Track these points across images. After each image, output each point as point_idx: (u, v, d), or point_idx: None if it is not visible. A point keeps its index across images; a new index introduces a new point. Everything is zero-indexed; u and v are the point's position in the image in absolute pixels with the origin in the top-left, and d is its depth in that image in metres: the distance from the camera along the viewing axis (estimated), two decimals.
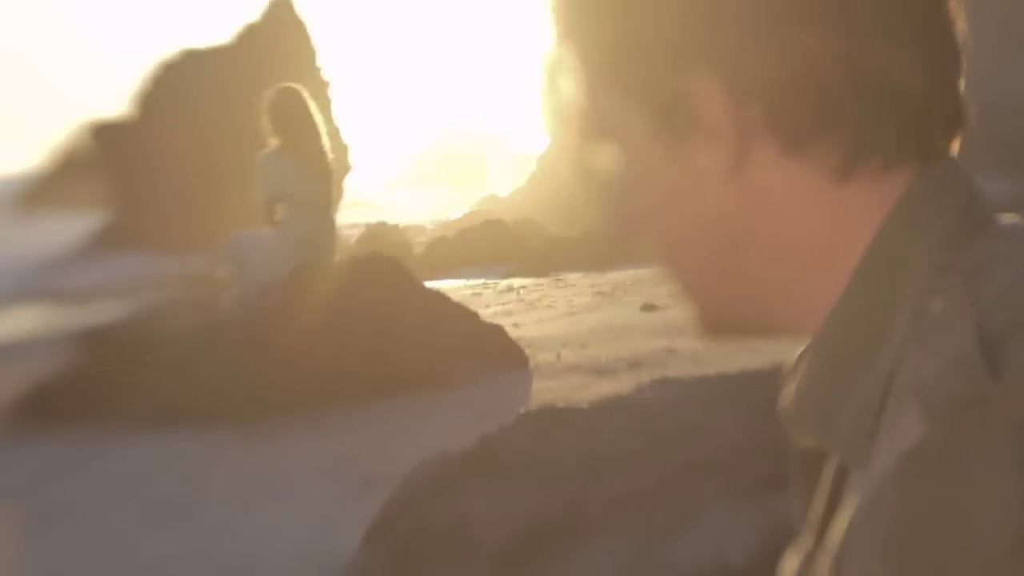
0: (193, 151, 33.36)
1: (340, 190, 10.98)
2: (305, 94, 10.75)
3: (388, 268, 11.43)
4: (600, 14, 1.10)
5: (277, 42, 34.39)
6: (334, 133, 10.87)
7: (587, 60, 1.13)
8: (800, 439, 1.14)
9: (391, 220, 26.36)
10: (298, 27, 36.06)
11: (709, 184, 1.10)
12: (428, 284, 12.26)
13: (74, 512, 8.40)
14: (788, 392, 1.11)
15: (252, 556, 7.24)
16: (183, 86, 34.55)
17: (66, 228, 35.72)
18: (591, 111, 1.15)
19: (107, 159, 35.04)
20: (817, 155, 1.07)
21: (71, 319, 15.92)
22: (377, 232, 23.42)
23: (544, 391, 10.00)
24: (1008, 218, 1.06)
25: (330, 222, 10.97)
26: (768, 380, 7.17)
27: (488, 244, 22.60)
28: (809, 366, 1.08)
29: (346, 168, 10.39)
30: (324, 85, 31.78)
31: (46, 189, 46.42)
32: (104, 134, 35.47)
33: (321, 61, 36.00)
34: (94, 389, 10.70)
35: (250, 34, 35.40)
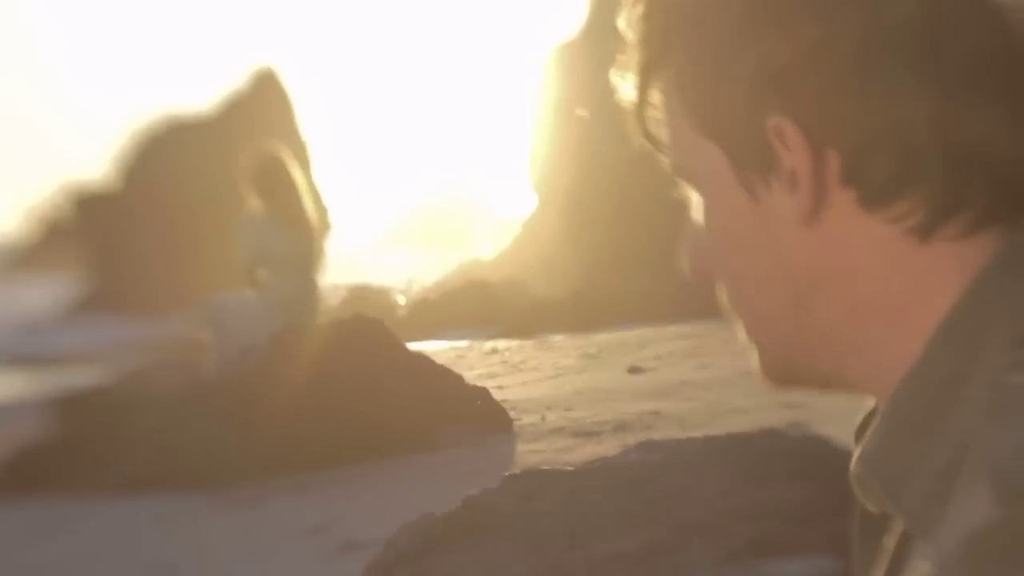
0: (176, 219, 33.45)
1: (322, 252, 10.95)
2: (286, 157, 10.75)
3: (372, 330, 11.39)
4: (687, 53, 1.11)
5: (260, 111, 34.58)
6: (314, 195, 10.86)
7: (671, 99, 1.14)
8: (864, 501, 1.10)
9: (375, 282, 26.34)
10: (281, 96, 36.36)
11: (784, 231, 1.09)
12: (412, 346, 12.23)
13: (60, 574, 8.35)
14: (855, 454, 1.08)
15: None
16: (168, 156, 34.69)
17: (48, 294, 35.71)
18: (674, 151, 1.16)
19: (91, 228, 35.12)
20: (897, 212, 1.06)
21: (51, 384, 15.86)
22: (361, 294, 23.39)
23: (529, 454, 9.94)
24: None
25: (313, 284, 10.96)
26: (754, 443, 7.16)
27: (472, 306, 22.58)
28: (878, 428, 1.06)
29: (327, 229, 10.48)
30: (304, 147, 31.98)
31: (29, 256, 46.47)
32: (88, 204, 35.58)
33: (302, 124, 36.26)
34: (74, 455, 10.63)
35: (234, 104, 35.63)
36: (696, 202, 1.16)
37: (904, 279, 1.06)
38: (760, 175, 1.09)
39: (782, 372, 1.15)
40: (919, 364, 1.04)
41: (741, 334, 1.15)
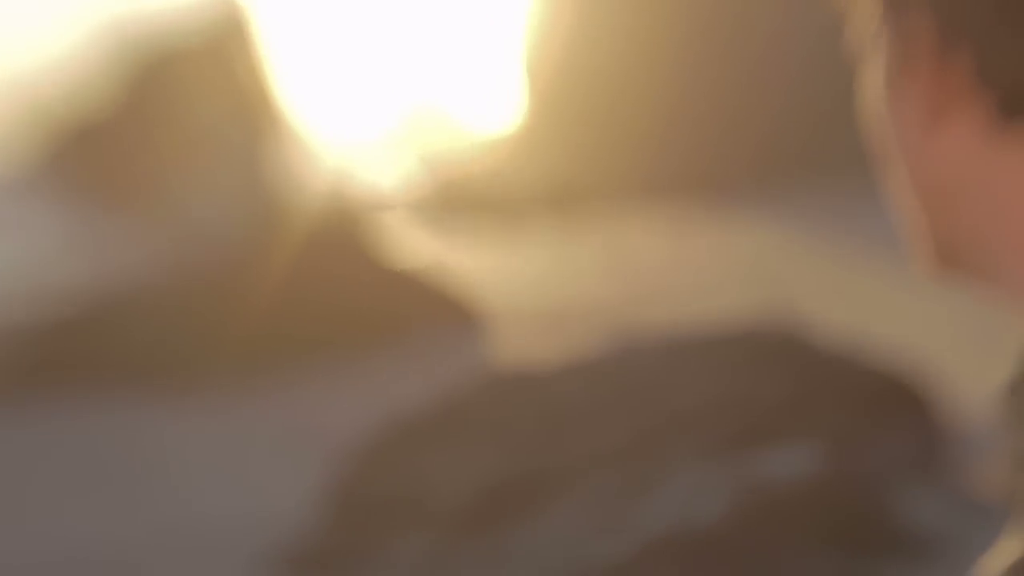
0: (168, 148, 33.99)
1: (292, 152, 11.10)
2: (246, 56, 10.83)
3: (343, 228, 11.31)
4: None
5: (235, 39, 35.45)
6: (274, 97, 10.95)
7: None
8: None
9: (354, 187, 26.65)
10: (250, 30, 37.33)
11: (913, 136, 0.97)
12: (385, 242, 12.20)
13: (28, 477, 8.20)
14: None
15: (202, 519, 6.97)
16: (156, 87, 35.37)
17: (46, 224, 35.94)
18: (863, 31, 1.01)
19: (86, 158, 35.71)
20: None
21: (30, 300, 16.04)
22: (342, 194, 23.49)
23: (503, 344, 9.91)
24: None
25: (281, 182, 11.00)
26: (736, 335, 6.96)
27: (451, 202, 22.86)
28: None
29: (290, 130, 10.83)
30: (268, 66, 32.52)
31: (24, 189, 46.80)
32: (84, 136, 36.06)
33: (273, 50, 37.29)
34: (49, 358, 10.48)
35: (215, 35, 36.59)
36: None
37: None
38: (897, 72, 0.97)
39: (938, 262, 0.98)
40: None
41: (902, 216, 1.04)
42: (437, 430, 6.44)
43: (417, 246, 17.40)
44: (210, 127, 11.12)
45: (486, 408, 6.53)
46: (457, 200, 23.07)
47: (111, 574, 6.31)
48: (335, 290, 10.53)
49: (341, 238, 11.16)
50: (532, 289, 12.95)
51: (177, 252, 10.94)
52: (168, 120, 32.30)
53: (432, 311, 10.87)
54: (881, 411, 6.36)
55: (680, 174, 19.91)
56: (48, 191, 35.43)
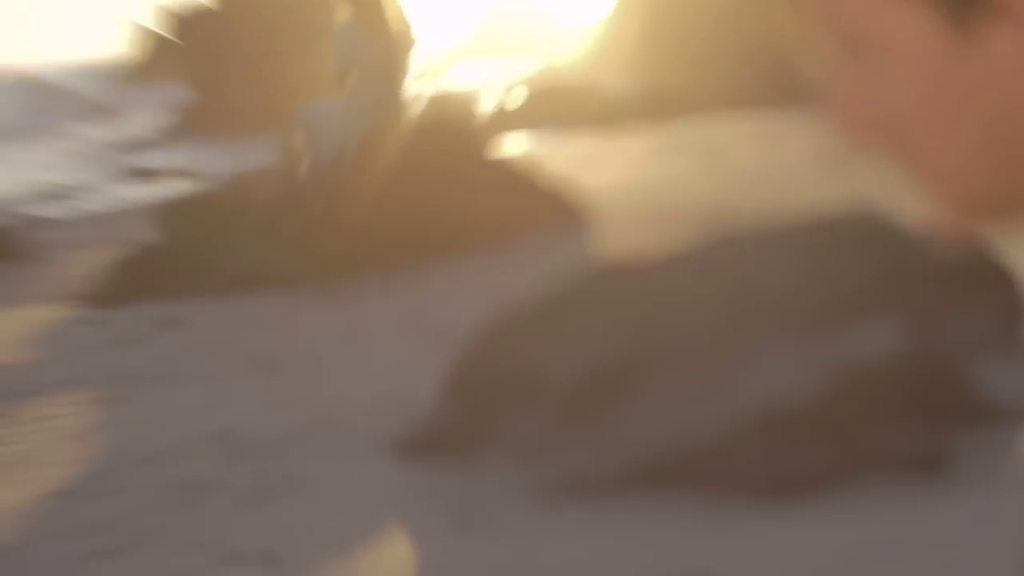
0: (272, 35, 33.32)
1: (407, 61, 10.85)
2: None
3: (454, 133, 11.29)
4: None
5: None
6: (398, 7, 10.76)
7: None
8: None
9: (455, 89, 26.15)
10: None
11: (1008, 70, 0.91)
12: (492, 145, 12.09)
13: (171, 368, 8.43)
14: None
15: (335, 405, 7.21)
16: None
17: (154, 110, 35.76)
18: (846, 15, 0.97)
19: (192, 45, 35.05)
20: None
21: (155, 195, 15.91)
22: (443, 100, 23.18)
23: (607, 244, 9.89)
24: None
25: (396, 90, 10.83)
26: (822, 224, 6.98)
27: (549, 106, 22.36)
28: None
29: (411, 40, 10.49)
30: None
31: (133, 76, 46.46)
32: (188, 24, 35.46)
33: None
34: (178, 258, 10.70)
35: None
36: (868, 55, 0.97)
37: None
38: (976, 12, 0.91)
39: (980, 206, 0.97)
40: None
41: (919, 183, 0.98)
42: (546, 319, 6.58)
43: (519, 148, 17.25)
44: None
45: (591, 298, 6.64)
46: (555, 102, 22.59)
47: (254, 452, 6.60)
48: (446, 193, 10.44)
49: (449, 143, 10.98)
50: (631, 186, 12.84)
51: (304, 157, 10.87)
52: (301, 30, 31.81)
53: (538, 210, 10.89)
54: (963, 287, 6.37)
55: (772, 86, 19.56)
56: (188, 114, 35.25)
